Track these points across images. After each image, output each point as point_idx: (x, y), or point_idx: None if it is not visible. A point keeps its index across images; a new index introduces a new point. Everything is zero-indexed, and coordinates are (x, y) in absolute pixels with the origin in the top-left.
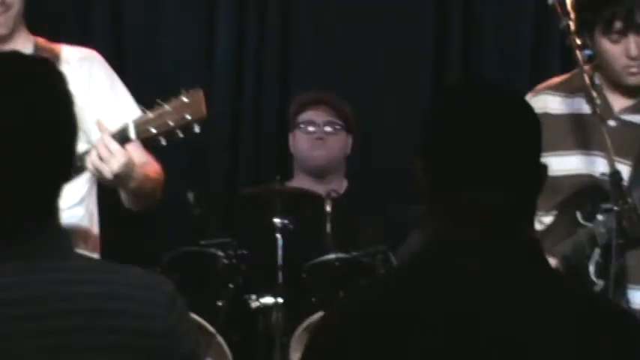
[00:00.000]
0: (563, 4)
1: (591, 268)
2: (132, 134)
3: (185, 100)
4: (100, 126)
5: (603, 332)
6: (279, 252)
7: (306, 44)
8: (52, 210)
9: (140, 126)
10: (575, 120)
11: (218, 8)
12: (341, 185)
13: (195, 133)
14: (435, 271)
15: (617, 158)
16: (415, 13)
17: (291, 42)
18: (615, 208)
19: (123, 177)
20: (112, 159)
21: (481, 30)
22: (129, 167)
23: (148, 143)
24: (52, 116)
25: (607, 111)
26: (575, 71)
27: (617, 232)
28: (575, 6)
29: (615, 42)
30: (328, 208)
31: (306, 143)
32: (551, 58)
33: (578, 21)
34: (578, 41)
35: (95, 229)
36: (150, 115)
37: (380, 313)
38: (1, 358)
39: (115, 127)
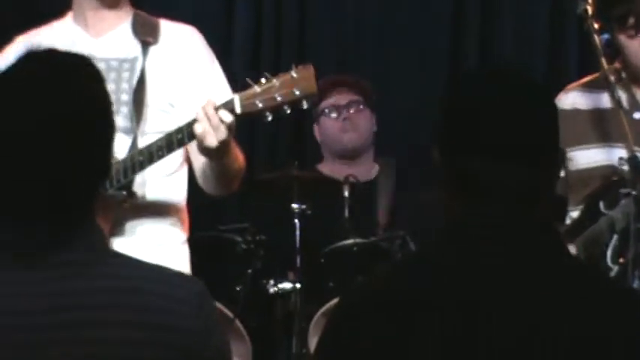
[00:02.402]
0: None
1: (609, 253)
2: (237, 108)
3: (294, 75)
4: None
5: (620, 320)
6: (297, 237)
7: (323, 29)
8: (86, 209)
9: (246, 99)
10: (599, 115)
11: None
12: (371, 169)
13: (303, 109)
14: (452, 257)
15: (637, 148)
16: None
17: (308, 27)
18: (633, 192)
19: (224, 149)
20: (221, 126)
21: (498, 16)
22: (231, 140)
23: (254, 117)
24: (83, 115)
25: (633, 103)
26: (601, 71)
27: (636, 216)
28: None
29: (632, 37)
30: (346, 193)
31: (333, 128)
32: (568, 40)
33: (596, 2)
34: (596, 25)
35: (182, 204)
36: (257, 89)
37: (396, 299)
38: (36, 350)
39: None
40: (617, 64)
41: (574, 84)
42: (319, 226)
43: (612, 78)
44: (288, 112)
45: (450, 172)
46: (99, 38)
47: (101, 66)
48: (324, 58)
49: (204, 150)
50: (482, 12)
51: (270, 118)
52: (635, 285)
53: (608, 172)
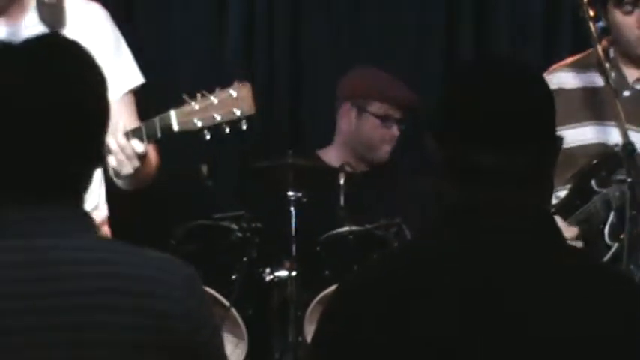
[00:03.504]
0: None
1: (606, 231)
2: (174, 125)
3: (233, 93)
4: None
5: (616, 305)
6: (293, 225)
7: (317, 17)
8: (77, 191)
9: (183, 117)
10: (589, 93)
11: None
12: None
13: (242, 130)
14: (449, 244)
15: (630, 126)
16: None
17: (302, 18)
18: (629, 179)
19: (138, 173)
20: (134, 157)
21: (493, 3)
22: (146, 165)
23: (191, 135)
24: (75, 97)
25: (621, 82)
26: (589, 50)
27: (631, 203)
28: None
29: (628, 13)
30: (342, 181)
31: (377, 133)
32: (563, 31)
33: None
34: (592, 13)
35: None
36: (195, 106)
37: (394, 287)
38: (24, 335)
39: (114, 96)
40: (603, 43)
41: (558, 64)
42: (315, 214)
43: (607, 65)
44: (227, 131)
45: (448, 159)
46: (11, 25)
47: None
48: (319, 48)
49: (119, 177)
50: (476, 3)
51: (208, 137)
52: (633, 264)
53: (598, 151)
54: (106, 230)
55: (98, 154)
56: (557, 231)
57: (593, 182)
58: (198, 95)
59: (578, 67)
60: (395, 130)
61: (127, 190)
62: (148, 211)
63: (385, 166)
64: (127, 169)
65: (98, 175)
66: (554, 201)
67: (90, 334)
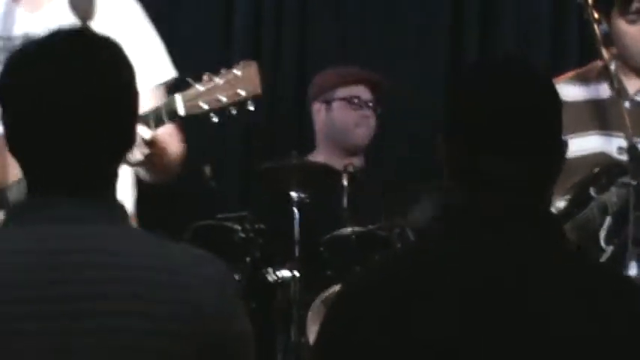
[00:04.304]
0: None
1: (602, 235)
2: (180, 109)
3: (238, 73)
4: None
5: (619, 304)
6: (296, 226)
7: (323, 19)
8: (109, 182)
9: (189, 100)
10: (593, 105)
11: None
12: (361, 160)
13: (249, 111)
14: (453, 247)
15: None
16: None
17: (307, 21)
18: (633, 182)
19: (151, 160)
20: (142, 144)
21: (499, 6)
22: (156, 152)
23: (198, 119)
24: (107, 90)
25: (622, 94)
26: (591, 64)
27: (635, 205)
28: None
29: (633, 22)
30: (345, 182)
31: (348, 119)
32: (569, 33)
33: None
34: (596, 15)
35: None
36: (200, 88)
37: (397, 289)
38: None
39: (144, 89)
40: (606, 54)
41: (561, 77)
42: (318, 215)
43: (612, 66)
44: (234, 112)
45: (453, 160)
46: (34, 13)
47: None
48: (325, 51)
49: (130, 165)
50: (482, 5)
51: (215, 120)
52: (632, 268)
53: (599, 160)
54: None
55: (129, 146)
56: (561, 233)
57: (591, 190)
58: (204, 77)
59: (581, 80)
60: (366, 111)
61: (151, 181)
62: (151, 211)
63: (389, 166)
64: (136, 156)
65: (126, 174)
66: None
67: (121, 323)
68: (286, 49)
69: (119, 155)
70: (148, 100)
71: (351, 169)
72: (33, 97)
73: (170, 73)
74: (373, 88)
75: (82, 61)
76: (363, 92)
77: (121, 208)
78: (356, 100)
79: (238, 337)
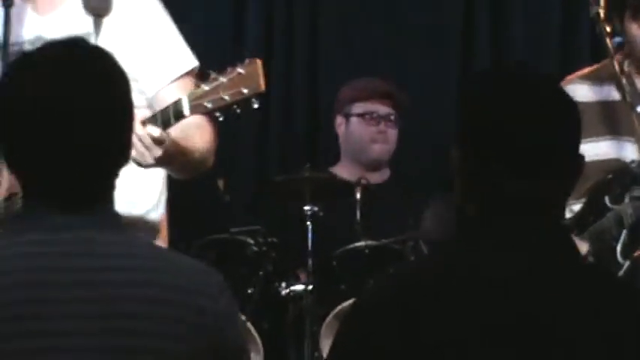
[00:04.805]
0: None
1: (618, 249)
2: (186, 110)
3: (241, 71)
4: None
5: (633, 322)
6: (309, 239)
7: (335, 33)
8: (107, 189)
9: (194, 100)
10: (605, 107)
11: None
12: (385, 172)
13: (253, 108)
14: (464, 260)
15: None
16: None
17: (319, 32)
18: None
19: (166, 160)
20: (153, 145)
21: (510, 18)
22: (171, 150)
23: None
24: (102, 101)
25: (636, 97)
26: (604, 61)
27: None
28: None
29: None
30: (358, 196)
31: (364, 134)
32: (580, 46)
33: (608, 6)
34: (608, 29)
35: (152, 218)
36: (205, 88)
37: (408, 303)
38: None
39: (167, 84)
40: (618, 56)
41: (573, 75)
42: (331, 228)
43: (624, 81)
44: (239, 111)
45: (466, 171)
46: (46, 16)
47: None
48: (337, 62)
49: (142, 167)
50: (492, 15)
51: (221, 119)
52: None
53: (614, 166)
54: (162, 233)
55: (125, 155)
56: (571, 245)
57: (607, 198)
58: (210, 77)
59: (594, 79)
60: (382, 127)
61: (182, 178)
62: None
63: (403, 180)
64: (148, 159)
65: (158, 176)
66: (567, 214)
67: (125, 322)
68: (298, 63)
69: (114, 165)
70: (174, 90)
71: (364, 182)
72: (27, 109)
73: (192, 62)
74: (392, 102)
75: (74, 73)
76: (380, 107)
77: (115, 216)
78: (372, 116)
79: (230, 348)
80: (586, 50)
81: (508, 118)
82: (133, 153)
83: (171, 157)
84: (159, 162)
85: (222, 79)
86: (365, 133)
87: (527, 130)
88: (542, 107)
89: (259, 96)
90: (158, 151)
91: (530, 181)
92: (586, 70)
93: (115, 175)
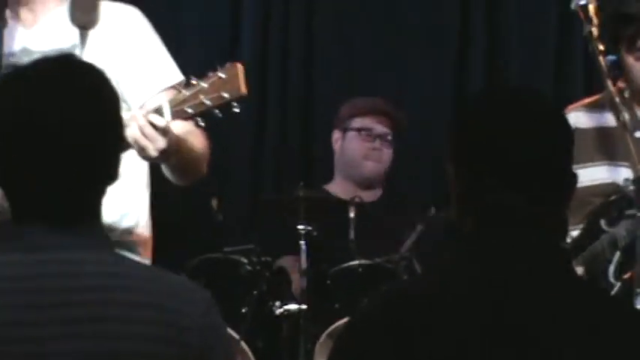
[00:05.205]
0: (586, 10)
1: (611, 270)
2: (167, 115)
3: (222, 75)
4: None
5: (630, 340)
6: (303, 258)
7: (331, 52)
8: (93, 207)
9: (175, 105)
10: (602, 133)
11: (242, 15)
12: (378, 191)
13: (234, 113)
14: (457, 278)
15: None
16: (439, 18)
17: (315, 48)
18: (639, 214)
19: (169, 152)
20: (157, 135)
21: (504, 36)
22: (173, 143)
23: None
24: (91, 117)
25: (635, 122)
26: (604, 92)
27: None
28: (599, 16)
29: (639, 59)
30: (352, 214)
31: (358, 150)
32: (575, 65)
33: (602, 24)
34: (601, 47)
35: (142, 230)
36: (186, 93)
37: (402, 322)
38: (31, 342)
39: (153, 96)
40: (619, 84)
41: (574, 105)
42: (325, 247)
43: (617, 99)
44: (220, 115)
45: (460, 187)
46: (32, 28)
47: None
48: (333, 79)
49: (145, 159)
50: (487, 34)
51: (202, 123)
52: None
53: (610, 190)
54: (145, 252)
55: (113, 172)
56: (567, 260)
57: (602, 222)
58: (191, 82)
59: (592, 107)
60: (377, 144)
61: (180, 183)
62: (158, 243)
63: (396, 198)
64: (151, 151)
65: (144, 188)
66: (567, 241)
67: (108, 344)
68: (293, 81)
69: (102, 183)
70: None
71: (358, 200)
72: (14, 123)
73: (177, 76)
74: (390, 122)
75: (64, 88)
76: (377, 125)
77: (104, 236)
78: (368, 132)
79: (222, 357)
80: (580, 71)
81: (502, 133)
82: (135, 144)
83: (173, 150)
84: (162, 154)
85: (203, 84)
86: (359, 149)
87: (520, 145)
88: (535, 123)
89: (240, 100)
90: (162, 142)
91: (524, 196)
92: (587, 99)
93: (103, 192)
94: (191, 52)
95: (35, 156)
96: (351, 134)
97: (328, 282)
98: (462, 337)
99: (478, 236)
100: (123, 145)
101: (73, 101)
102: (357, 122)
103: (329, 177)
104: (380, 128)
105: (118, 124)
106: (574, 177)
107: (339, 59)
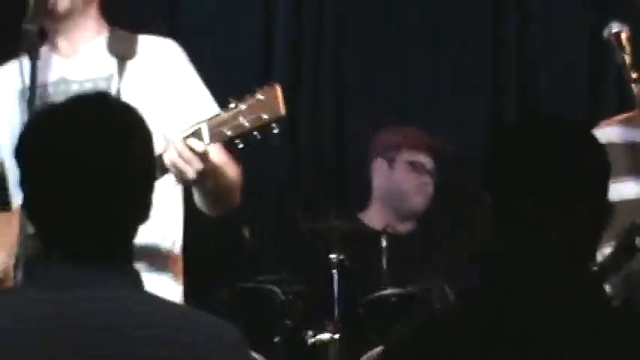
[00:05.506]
0: (618, 38)
1: None
2: (206, 137)
3: (260, 97)
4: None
5: (629, 341)
6: (336, 287)
7: (363, 80)
8: (124, 245)
9: (214, 128)
10: (633, 149)
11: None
12: (413, 223)
13: (273, 135)
14: (492, 305)
15: None
16: (439, 18)
17: (346, 76)
18: None
19: (204, 177)
20: (194, 159)
21: (536, 65)
22: (210, 166)
23: (225, 146)
24: (123, 157)
25: None
26: (638, 109)
27: None
28: (632, 44)
29: None
30: (384, 243)
31: (408, 184)
32: (608, 92)
33: (635, 56)
34: (634, 75)
35: (178, 252)
36: (224, 115)
37: (435, 351)
38: None
39: (188, 124)
40: None
41: (608, 120)
42: (358, 277)
43: None
44: (259, 137)
45: (493, 210)
46: (71, 58)
47: (75, 88)
48: (364, 110)
49: (182, 183)
50: (519, 63)
51: (241, 146)
52: None
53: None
54: (179, 275)
55: (145, 211)
56: (601, 291)
57: (637, 240)
58: (229, 104)
59: (626, 123)
60: (426, 178)
61: (212, 213)
62: (190, 272)
63: (428, 227)
64: (190, 173)
65: (177, 213)
66: (599, 257)
67: None
68: (325, 108)
69: (134, 221)
70: None
71: (390, 230)
72: (46, 159)
73: (214, 109)
74: (436, 157)
75: (99, 125)
76: (425, 159)
77: (134, 273)
78: (421, 167)
79: None
80: (614, 95)
81: (535, 158)
82: (173, 167)
83: (210, 174)
84: (200, 176)
85: (241, 106)
86: (409, 182)
87: (554, 172)
88: (570, 149)
89: (279, 120)
90: (199, 165)
91: (557, 223)
92: (620, 116)
93: (135, 230)
94: (222, 75)
95: (65, 192)
96: (400, 166)
97: (361, 311)
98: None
99: (508, 261)
100: (154, 186)
101: (106, 139)
102: (408, 155)
103: (362, 202)
104: (430, 163)
105: (149, 161)
106: (610, 205)
107: (372, 89)
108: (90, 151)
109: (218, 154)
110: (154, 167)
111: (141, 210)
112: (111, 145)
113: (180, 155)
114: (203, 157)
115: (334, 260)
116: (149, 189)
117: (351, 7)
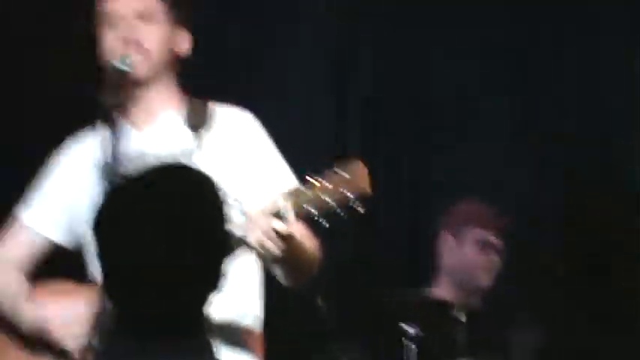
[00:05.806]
0: None
1: None
2: (290, 219)
3: (347, 175)
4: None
5: None
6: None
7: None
8: (197, 316)
9: (299, 208)
10: None
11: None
12: (478, 300)
13: (359, 214)
14: None
15: None
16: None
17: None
18: None
19: (286, 254)
20: (277, 238)
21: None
22: (293, 244)
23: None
24: (201, 236)
25: None
26: None
27: None
28: None
29: None
30: (463, 318)
31: (481, 262)
32: None
33: None
34: None
35: (259, 329)
36: (308, 193)
37: None
38: None
39: (268, 199)
40: None
41: None
42: (434, 350)
43: None
44: (344, 217)
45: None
46: (145, 130)
47: (153, 161)
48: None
49: (266, 260)
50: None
51: (326, 225)
52: None
53: None
54: (259, 351)
55: (216, 282)
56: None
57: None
58: (312, 181)
59: None
60: (494, 257)
61: (287, 283)
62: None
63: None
64: (275, 251)
65: (258, 289)
66: None
67: None
68: (395, 178)
69: (205, 290)
70: None
71: (471, 304)
72: (121, 234)
73: (293, 182)
74: (502, 234)
75: (175, 200)
76: (494, 238)
77: (207, 343)
78: (491, 247)
79: None
80: None
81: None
82: (258, 247)
83: (292, 252)
84: (284, 254)
85: (326, 184)
86: (480, 261)
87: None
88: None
89: (365, 199)
90: (284, 244)
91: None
92: None
93: (207, 301)
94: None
95: (140, 266)
96: (469, 243)
97: None
98: None
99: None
100: (226, 259)
101: (180, 212)
102: (478, 234)
103: (429, 275)
104: (498, 242)
105: (224, 234)
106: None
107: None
108: (167, 225)
109: (300, 229)
110: (227, 234)
111: (211, 279)
112: (185, 217)
113: (266, 235)
114: (288, 238)
115: (410, 333)
116: (220, 258)
117: None
